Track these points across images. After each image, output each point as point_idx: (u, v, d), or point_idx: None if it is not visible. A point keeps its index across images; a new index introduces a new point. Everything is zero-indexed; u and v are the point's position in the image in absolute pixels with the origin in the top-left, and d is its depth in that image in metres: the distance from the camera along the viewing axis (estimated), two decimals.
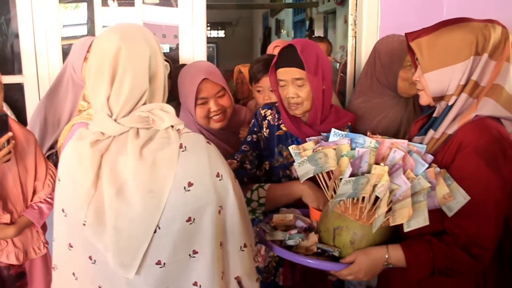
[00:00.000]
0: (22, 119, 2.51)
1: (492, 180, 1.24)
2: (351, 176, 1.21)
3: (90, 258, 1.15)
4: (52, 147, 2.17)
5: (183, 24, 2.79)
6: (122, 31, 1.16)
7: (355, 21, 2.95)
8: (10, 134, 1.68)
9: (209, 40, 9.49)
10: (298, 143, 1.67)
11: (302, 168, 1.31)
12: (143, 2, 2.76)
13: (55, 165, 1.79)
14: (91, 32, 3.10)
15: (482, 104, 1.31)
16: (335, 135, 1.33)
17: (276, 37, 8.06)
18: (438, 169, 1.27)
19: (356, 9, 2.96)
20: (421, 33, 1.37)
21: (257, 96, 2.23)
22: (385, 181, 1.19)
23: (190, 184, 1.11)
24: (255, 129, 1.82)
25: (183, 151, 1.12)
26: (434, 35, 1.34)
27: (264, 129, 1.81)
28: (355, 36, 2.92)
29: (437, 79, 1.34)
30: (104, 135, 1.13)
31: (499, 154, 1.25)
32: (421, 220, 1.16)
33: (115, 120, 1.12)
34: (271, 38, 8.31)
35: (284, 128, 1.80)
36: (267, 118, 1.83)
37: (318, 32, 6.09)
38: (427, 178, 1.21)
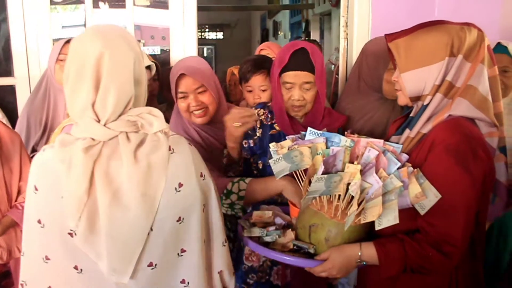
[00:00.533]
0: (14, 121, 2.52)
1: (462, 178, 1.25)
2: (325, 173, 1.22)
3: (75, 267, 1.13)
4: (34, 149, 2.18)
5: (174, 26, 2.79)
6: (104, 35, 1.13)
7: (346, 23, 2.96)
8: None
9: (208, 41, 9.52)
10: None
11: (278, 166, 1.33)
12: (134, 4, 2.77)
13: None
14: None
15: (456, 104, 1.33)
16: (311, 133, 1.34)
17: (273, 39, 8.07)
18: (411, 168, 1.27)
19: (347, 11, 2.97)
20: (400, 35, 1.39)
21: (247, 96, 2.24)
22: (357, 180, 1.20)
23: (180, 185, 1.14)
24: (249, 132, 1.81)
25: (171, 153, 1.14)
26: (411, 37, 1.36)
27: (257, 129, 1.82)
28: (347, 38, 2.94)
29: (413, 79, 1.36)
30: (94, 140, 1.11)
31: (469, 152, 1.26)
32: (392, 219, 1.17)
33: (104, 125, 1.11)
34: (269, 39, 8.32)
35: (277, 128, 1.81)
36: (260, 118, 1.84)
37: (314, 33, 6.11)
38: (399, 177, 1.22)
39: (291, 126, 1.76)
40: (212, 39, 9.70)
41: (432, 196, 1.23)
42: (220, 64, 8.64)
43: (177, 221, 1.15)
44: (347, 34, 2.95)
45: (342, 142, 1.31)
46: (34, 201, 1.15)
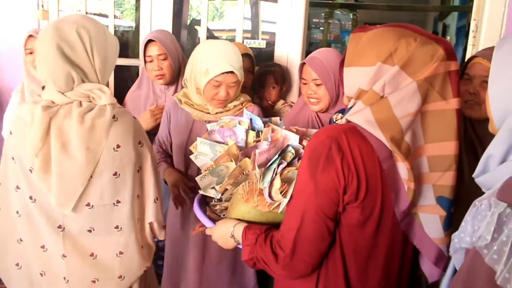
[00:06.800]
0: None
1: (306, 183, 1.15)
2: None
3: (30, 198, 1.45)
4: None
5: (281, 20, 2.82)
6: (43, 28, 1.45)
7: (477, 27, 2.59)
8: None
9: None
10: None
11: (209, 125, 1.52)
12: None
13: None
14: None
15: (357, 109, 1.17)
16: (245, 115, 1.49)
17: None
18: (284, 164, 1.29)
19: (479, 14, 2.58)
20: (368, 29, 1.23)
21: None
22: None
23: (118, 146, 1.43)
24: None
25: (115, 121, 1.43)
26: (370, 33, 1.19)
27: None
28: (475, 45, 2.59)
29: (348, 77, 1.22)
30: (54, 103, 1.43)
31: (323, 158, 1.12)
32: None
33: (62, 93, 1.42)
34: None
35: None
36: (337, 123, 1.91)
37: None
38: (271, 171, 1.28)
39: None
40: None
41: (289, 197, 1.24)
42: None
43: (114, 175, 1.44)
44: (475, 40, 2.60)
45: (258, 126, 1.44)
46: (10, 142, 1.48)
